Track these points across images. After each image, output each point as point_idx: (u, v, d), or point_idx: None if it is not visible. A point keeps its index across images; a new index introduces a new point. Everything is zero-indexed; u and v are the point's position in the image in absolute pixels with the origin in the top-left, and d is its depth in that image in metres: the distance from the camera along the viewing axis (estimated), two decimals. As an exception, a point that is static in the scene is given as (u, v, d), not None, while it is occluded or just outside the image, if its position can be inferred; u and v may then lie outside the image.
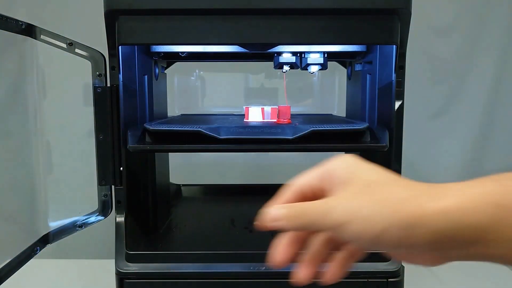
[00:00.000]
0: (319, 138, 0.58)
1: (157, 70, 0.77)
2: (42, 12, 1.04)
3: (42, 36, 0.62)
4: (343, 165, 0.30)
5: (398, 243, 0.26)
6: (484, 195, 0.25)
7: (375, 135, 0.61)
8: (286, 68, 0.68)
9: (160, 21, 0.56)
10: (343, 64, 0.88)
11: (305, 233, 0.32)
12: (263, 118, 0.72)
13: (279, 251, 0.32)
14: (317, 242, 0.32)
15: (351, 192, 0.28)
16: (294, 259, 0.32)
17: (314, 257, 0.32)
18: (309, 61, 0.67)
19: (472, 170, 1.13)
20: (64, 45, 0.62)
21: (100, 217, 0.67)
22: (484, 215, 0.25)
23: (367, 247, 0.29)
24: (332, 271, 0.33)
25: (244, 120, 0.73)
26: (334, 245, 0.33)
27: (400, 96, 0.60)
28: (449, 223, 0.25)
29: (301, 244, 0.32)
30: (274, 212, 0.30)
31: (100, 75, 0.62)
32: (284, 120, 0.68)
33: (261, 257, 0.60)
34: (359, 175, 0.29)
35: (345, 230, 0.27)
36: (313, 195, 0.31)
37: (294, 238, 0.32)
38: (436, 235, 0.25)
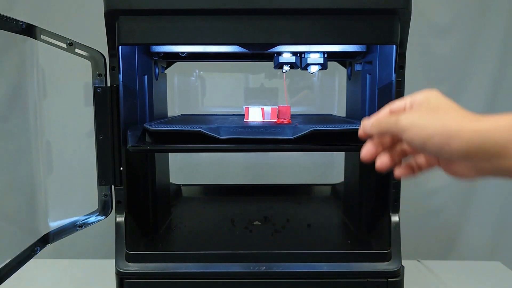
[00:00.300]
0: (319, 138, 0.58)
1: (157, 70, 0.77)
2: (42, 12, 1.04)
3: (42, 36, 0.62)
4: (424, 94, 0.41)
5: (440, 149, 0.36)
6: (510, 121, 0.34)
7: (375, 135, 0.61)
8: (286, 68, 0.68)
9: (160, 21, 0.56)
10: (343, 64, 0.88)
11: (387, 142, 0.44)
12: (263, 118, 0.72)
13: (367, 148, 0.44)
14: (395, 149, 0.44)
15: (419, 112, 0.40)
16: (376, 155, 0.44)
17: (392, 155, 0.44)
18: (309, 61, 0.67)
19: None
20: (64, 45, 0.62)
21: (100, 217, 0.67)
22: (507, 134, 0.33)
23: (420, 150, 0.39)
24: (402, 170, 0.45)
25: (244, 120, 0.73)
26: (407, 154, 0.45)
27: (400, 96, 0.60)
28: (480, 139, 0.34)
29: (383, 148, 0.44)
30: (365, 122, 0.44)
31: (100, 75, 0.62)
32: (284, 120, 0.68)
33: (261, 257, 0.61)
34: (429, 102, 0.40)
35: (405, 134, 0.39)
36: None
37: (379, 143, 0.44)
38: (468, 147, 0.35)
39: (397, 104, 0.43)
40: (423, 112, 0.39)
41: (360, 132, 0.45)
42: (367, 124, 0.44)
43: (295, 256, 0.61)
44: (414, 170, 0.44)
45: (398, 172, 0.45)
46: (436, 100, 0.40)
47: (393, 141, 0.44)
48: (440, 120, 0.37)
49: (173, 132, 0.59)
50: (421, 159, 0.44)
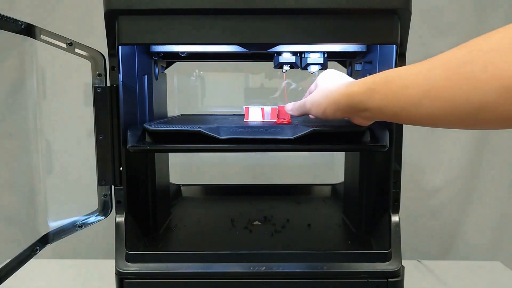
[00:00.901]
0: (319, 138, 0.58)
1: (157, 70, 0.77)
2: (42, 12, 1.04)
3: (42, 36, 0.62)
4: (322, 76, 0.56)
5: (333, 115, 0.51)
6: (365, 83, 0.45)
7: (375, 135, 0.61)
8: (286, 68, 0.68)
9: (160, 21, 0.56)
10: (343, 64, 0.88)
11: None
12: (263, 118, 0.72)
13: (291, 111, 0.62)
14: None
15: (316, 92, 0.54)
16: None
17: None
18: (309, 61, 0.67)
19: (472, 169, 1.13)
20: (64, 45, 0.62)
21: (100, 217, 0.67)
22: (364, 95, 0.45)
23: (323, 118, 0.54)
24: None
25: (244, 120, 0.73)
26: None
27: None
28: (352, 102, 0.47)
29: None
30: (287, 107, 0.62)
31: (100, 75, 0.62)
32: (284, 120, 0.68)
33: (261, 257, 0.61)
34: (322, 82, 0.54)
35: (312, 112, 0.55)
36: None
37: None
38: (344, 107, 0.49)
39: (312, 86, 0.59)
40: (318, 92, 0.53)
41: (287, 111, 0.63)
42: (288, 110, 0.62)
43: (295, 256, 0.61)
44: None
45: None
46: (326, 81, 0.54)
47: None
48: (326, 96, 0.51)
49: (173, 132, 0.59)
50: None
